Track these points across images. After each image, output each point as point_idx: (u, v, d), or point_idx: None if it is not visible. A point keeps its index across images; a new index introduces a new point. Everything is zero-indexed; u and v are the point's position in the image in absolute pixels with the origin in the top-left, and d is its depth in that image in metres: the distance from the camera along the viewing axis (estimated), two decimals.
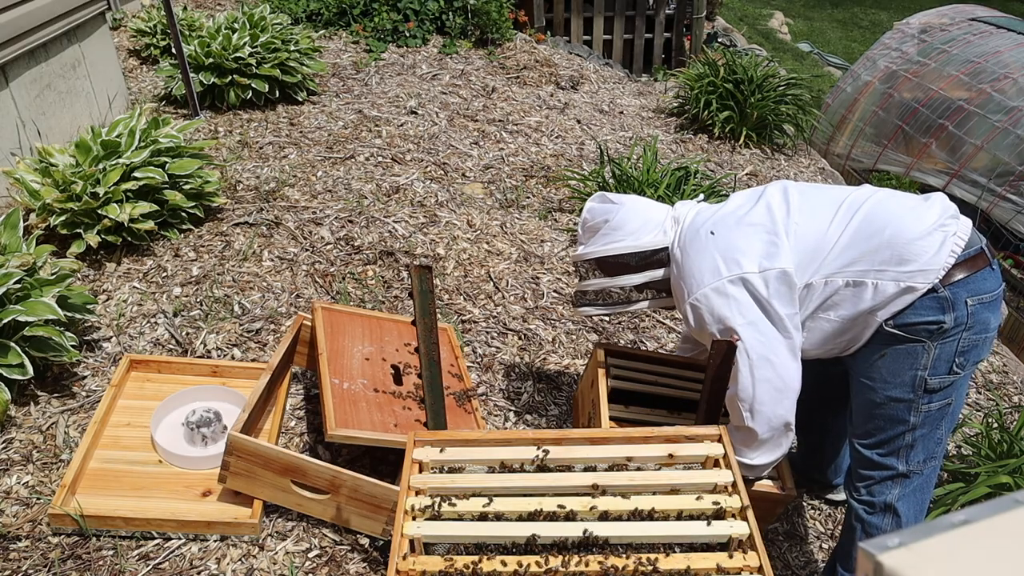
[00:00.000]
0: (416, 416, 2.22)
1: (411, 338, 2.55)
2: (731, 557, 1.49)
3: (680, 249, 2.00)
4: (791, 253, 1.84)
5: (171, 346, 2.74)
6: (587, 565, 1.46)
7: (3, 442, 2.30)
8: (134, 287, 2.97)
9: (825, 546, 2.48)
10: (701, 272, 1.90)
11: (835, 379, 2.13)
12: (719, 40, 7.69)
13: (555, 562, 1.46)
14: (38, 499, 2.15)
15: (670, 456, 1.69)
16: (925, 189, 5.22)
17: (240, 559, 2.05)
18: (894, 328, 1.81)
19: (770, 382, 1.87)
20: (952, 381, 1.85)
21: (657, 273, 2.08)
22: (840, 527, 2.53)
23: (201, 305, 2.91)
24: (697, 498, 1.59)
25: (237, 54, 4.39)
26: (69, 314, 2.50)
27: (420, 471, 1.66)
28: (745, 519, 1.54)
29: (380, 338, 2.49)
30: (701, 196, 2.23)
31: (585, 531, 1.50)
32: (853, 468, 2.04)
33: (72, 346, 2.43)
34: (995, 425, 2.74)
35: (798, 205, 1.89)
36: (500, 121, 4.87)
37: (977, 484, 2.38)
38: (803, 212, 1.88)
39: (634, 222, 2.08)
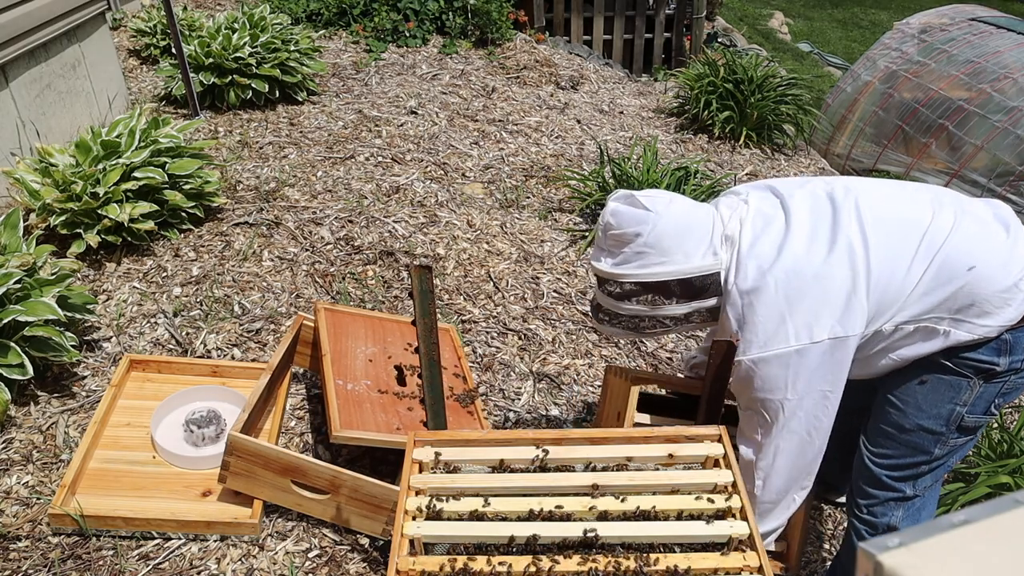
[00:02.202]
0: (420, 417, 2.22)
1: (413, 338, 2.55)
2: (725, 555, 1.48)
3: (738, 291, 1.70)
4: (866, 311, 1.65)
5: (171, 346, 2.74)
6: (587, 565, 1.46)
7: (3, 442, 2.30)
8: (134, 287, 2.97)
9: (826, 546, 2.48)
10: (767, 333, 1.66)
11: (868, 388, 1.94)
12: (719, 40, 7.69)
13: (555, 562, 1.46)
14: (38, 499, 2.15)
15: (670, 456, 1.68)
16: None
17: (240, 559, 2.05)
18: (942, 358, 1.70)
19: (793, 459, 1.75)
20: (986, 421, 1.77)
21: (708, 302, 1.77)
22: (840, 527, 2.53)
23: (201, 305, 2.91)
24: (697, 498, 1.59)
25: (237, 54, 4.39)
26: (69, 314, 2.50)
27: (420, 471, 1.66)
28: (745, 519, 1.54)
29: (383, 339, 2.50)
30: (745, 194, 1.87)
31: (585, 531, 1.50)
32: (857, 483, 1.93)
33: (72, 346, 2.43)
34: (995, 425, 2.74)
35: (876, 243, 1.65)
36: (500, 121, 4.87)
37: (977, 484, 2.38)
38: (881, 253, 1.64)
39: (674, 237, 1.71)
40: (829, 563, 2.38)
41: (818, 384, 1.68)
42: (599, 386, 2.88)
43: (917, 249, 1.64)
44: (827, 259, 1.64)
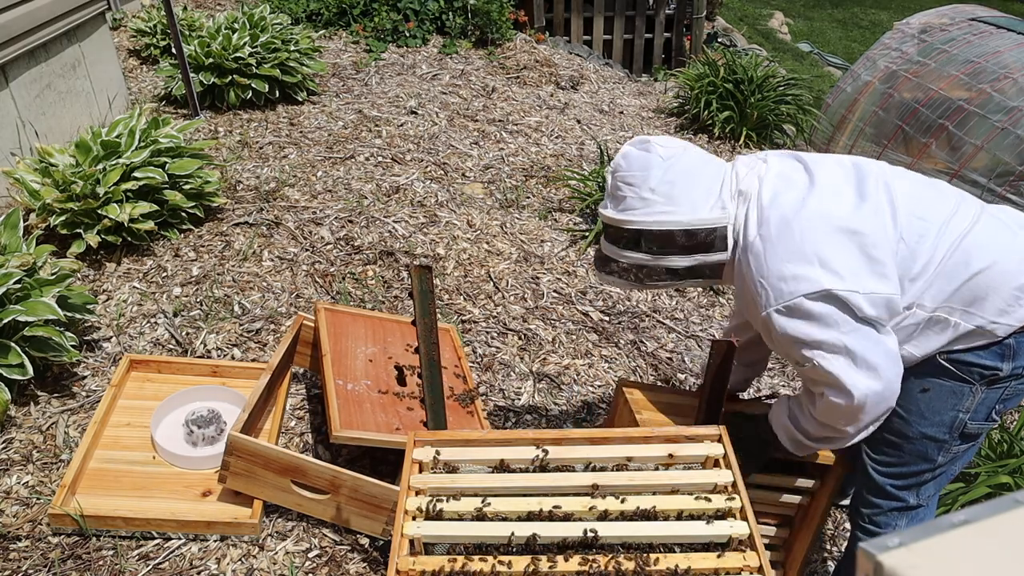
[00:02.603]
0: (419, 417, 2.22)
1: (413, 338, 2.55)
2: (719, 557, 1.48)
3: (762, 239, 1.63)
4: (896, 275, 1.59)
5: (171, 346, 2.74)
6: (588, 565, 1.46)
7: (3, 442, 2.30)
8: (134, 287, 2.97)
9: (826, 546, 2.48)
10: (796, 277, 1.57)
11: None
12: (719, 40, 7.69)
13: (555, 562, 1.46)
14: (38, 499, 2.15)
15: (670, 456, 1.68)
16: None
17: (240, 559, 2.05)
18: (946, 362, 1.67)
19: (878, 393, 1.60)
20: (988, 428, 1.75)
21: (712, 257, 1.72)
22: (840, 528, 2.53)
23: (201, 305, 2.91)
24: (697, 498, 1.59)
25: (237, 54, 4.39)
26: (69, 314, 2.50)
27: (420, 471, 1.66)
28: (745, 519, 1.54)
29: (383, 339, 2.50)
30: (765, 155, 1.78)
31: (585, 531, 1.50)
32: (860, 493, 1.91)
33: (72, 346, 2.43)
34: (995, 425, 2.74)
35: (904, 214, 1.62)
36: (500, 121, 4.87)
37: (977, 484, 2.38)
38: (908, 221, 1.62)
39: (683, 185, 1.67)
40: (830, 564, 2.38)
41: (863, 325, 1.58)
42: (599, 386, 2.88)
43: (940, 231, 1.62)
44: (856, 214, 1.60)
